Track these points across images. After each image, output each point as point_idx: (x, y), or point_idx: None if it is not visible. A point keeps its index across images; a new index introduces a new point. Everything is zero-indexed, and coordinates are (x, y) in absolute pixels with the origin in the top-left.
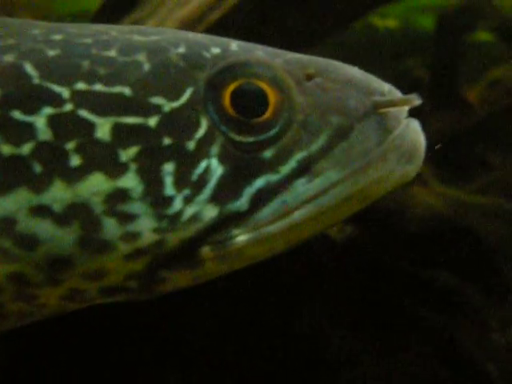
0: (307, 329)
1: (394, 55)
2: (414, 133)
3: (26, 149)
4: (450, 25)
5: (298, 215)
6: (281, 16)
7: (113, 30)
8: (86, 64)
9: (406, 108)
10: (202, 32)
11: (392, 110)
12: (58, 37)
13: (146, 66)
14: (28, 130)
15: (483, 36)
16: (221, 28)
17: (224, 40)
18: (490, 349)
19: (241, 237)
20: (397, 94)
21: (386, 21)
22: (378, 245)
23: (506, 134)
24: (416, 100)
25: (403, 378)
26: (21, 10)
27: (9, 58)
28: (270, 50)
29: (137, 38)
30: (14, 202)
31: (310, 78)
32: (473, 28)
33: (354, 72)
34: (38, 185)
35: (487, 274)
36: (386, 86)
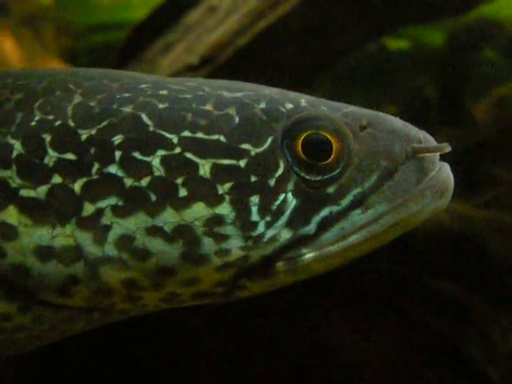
0: (317, 333)
1: (405, 74)
2: (446, 174)
3: (144, 182)
4: (458, 44)
5: (353, 239)
6: (299, 44)
7: (205, 86)
8: (189, 116)
9: (439, 153)
10: (228, 56)
11: (428, 155)
12: (164, 92)
13: (236, 119)
14: (146, 167)
15: (490, 55)
16: (248, 52)
17: (294, 96)
18: (493, 355)
19: (308, 255)
20: (431, 140)
21: (398, 41)
22: (386, 255)
23: None
24: (447, 148)
25: (407, 381)
26: (44, 22)
27: (127, 109)
28: (331, 104)
29: (226, 94)
30: (134, 223)
31: (363, 128)
32: (480, 47)
33: (397, 122)
34: (153, 210)
35: (491, 284)
36: (422, 134)
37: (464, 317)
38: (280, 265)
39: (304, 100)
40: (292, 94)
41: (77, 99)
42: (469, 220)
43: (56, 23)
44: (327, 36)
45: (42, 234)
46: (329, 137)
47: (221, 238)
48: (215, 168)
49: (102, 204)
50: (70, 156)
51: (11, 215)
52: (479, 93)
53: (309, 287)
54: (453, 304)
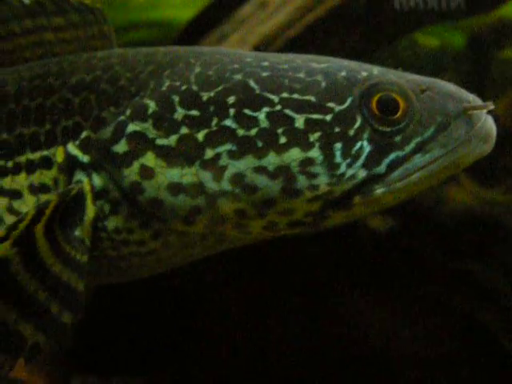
0: (349, 310)
1: (433, 70)
2: (489, 125)
3: (253, 132)
4: (479, 44)
5: (415, 177)
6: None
7: (298, 59)
8: (286, 81)
9: (485, 110)
10: (279, 45)
11: (475, 112)
12: (265, 64)
13: (323, 84)
14: (254, 121)
15: (510, 54)
16: (297, 42)
17: (368, 66)
18: (510, 329)
19: (379, 189)
20: (479, 101)
21: (427, 39)
22: (416, 236)
23: None
24: (491, 106)
25: (431, 352)
26: None
27: (238, 76)
28: (397, 72)
29: (314, 65)
30: (244, 164)
31: (423, 91)
32: (500, 46)
33: (451, 87)
34: (260, 154)
35: None
36: (471, 96)
37: (487, 295)
38: (357, 198)
39: (376, 69)
40: (366, 65)
41: (197, 69)
42: (493, 204)
43: None
44: (375, 25)
45: (173, 174)
46: (397, 98)
47: (312, 175)
48: (307, 121)
49: (220, 149)
50: (195, 112)
51: (149, 159)
52: (499, 90)
53: (340, 269)
54: (476, 282)
